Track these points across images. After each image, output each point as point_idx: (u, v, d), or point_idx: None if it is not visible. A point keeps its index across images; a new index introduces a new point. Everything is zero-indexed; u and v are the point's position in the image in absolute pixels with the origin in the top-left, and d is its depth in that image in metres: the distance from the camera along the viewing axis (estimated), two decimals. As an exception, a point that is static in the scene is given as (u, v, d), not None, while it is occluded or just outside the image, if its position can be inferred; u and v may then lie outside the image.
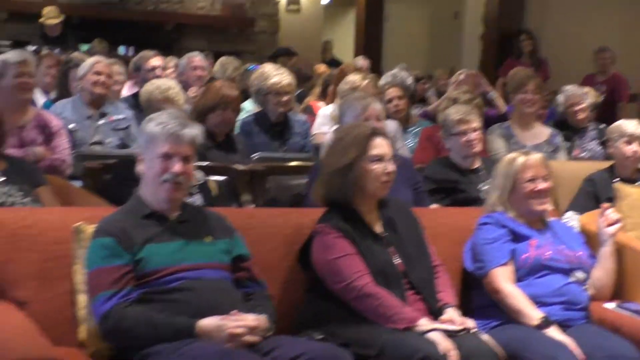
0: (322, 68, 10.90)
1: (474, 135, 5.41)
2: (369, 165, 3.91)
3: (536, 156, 4.28)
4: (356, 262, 3.80)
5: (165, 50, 12.16)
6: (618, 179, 5.70)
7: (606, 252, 4.36)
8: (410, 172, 5.12)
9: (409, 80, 8.07)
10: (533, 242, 4.17)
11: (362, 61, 11.17)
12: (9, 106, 4.83)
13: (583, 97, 7.47)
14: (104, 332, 3.47)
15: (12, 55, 5.45)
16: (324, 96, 8.52)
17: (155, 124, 3.61)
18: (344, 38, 16.66)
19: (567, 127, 7.42)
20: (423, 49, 15.86)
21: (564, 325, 3.99)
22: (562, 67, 11.28)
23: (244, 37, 14.18)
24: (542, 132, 6.95)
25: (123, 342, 3.46)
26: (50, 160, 5.37)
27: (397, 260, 3.90)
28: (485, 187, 5.37)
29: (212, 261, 3.66)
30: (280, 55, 12.77)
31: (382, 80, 7.92)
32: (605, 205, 4.54)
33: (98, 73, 6.31)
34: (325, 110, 7.69)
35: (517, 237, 4.19)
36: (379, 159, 3.92)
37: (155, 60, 7.39)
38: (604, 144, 7.49)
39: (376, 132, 3.98)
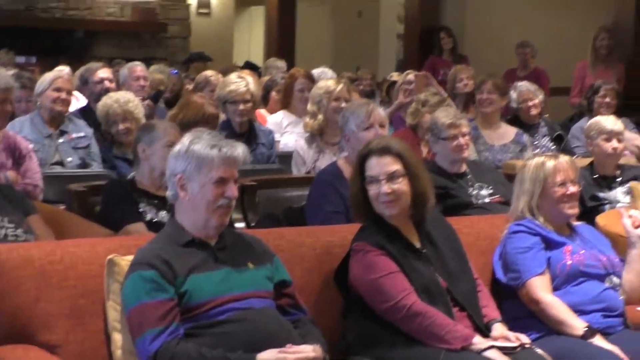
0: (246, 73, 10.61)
1: (464, 140, 5.26)
2: (368, 187, 3.75)
3: (565, 159, 4.16)
4: (401, 280, 3.63)
5: (75, 58, 11.79)
6: (597, 175, 5.68)
7: (637, 254, 4.23)
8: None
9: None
10: (568, 249, 4.05)
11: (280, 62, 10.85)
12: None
13: (536, 93, 7.47)
14: None
15: None
16: (265, 103, 8.27)
17: (206, 146, 3.34)
18: (250, 39, 16.42)
19: (520, 123, 7.39)
20: (328, 48, 15.72)
21: (604, 333, 3.88)
22: (483, 63, 11.27)
23: (156, 43, 13.81)
24: (508, 131, 6.92)
25: None
26: (22, 185, 5.01)
27: (439, 277, 3.74)
28: (475, 192, 5.28)
29: (258, 289, 3.43)
30: (194, 60, 12.50)
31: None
32: (625, 207, 4.47)
33: (58, 89, 5.93)
34: (274, 118, 7.45)
35: (550, 245, 4.05)
36: (372, 180, 3.74)
37: (103, 72, 7.03)
38: (555, 140, 7.50)
39: (371, 152, 3.78)
